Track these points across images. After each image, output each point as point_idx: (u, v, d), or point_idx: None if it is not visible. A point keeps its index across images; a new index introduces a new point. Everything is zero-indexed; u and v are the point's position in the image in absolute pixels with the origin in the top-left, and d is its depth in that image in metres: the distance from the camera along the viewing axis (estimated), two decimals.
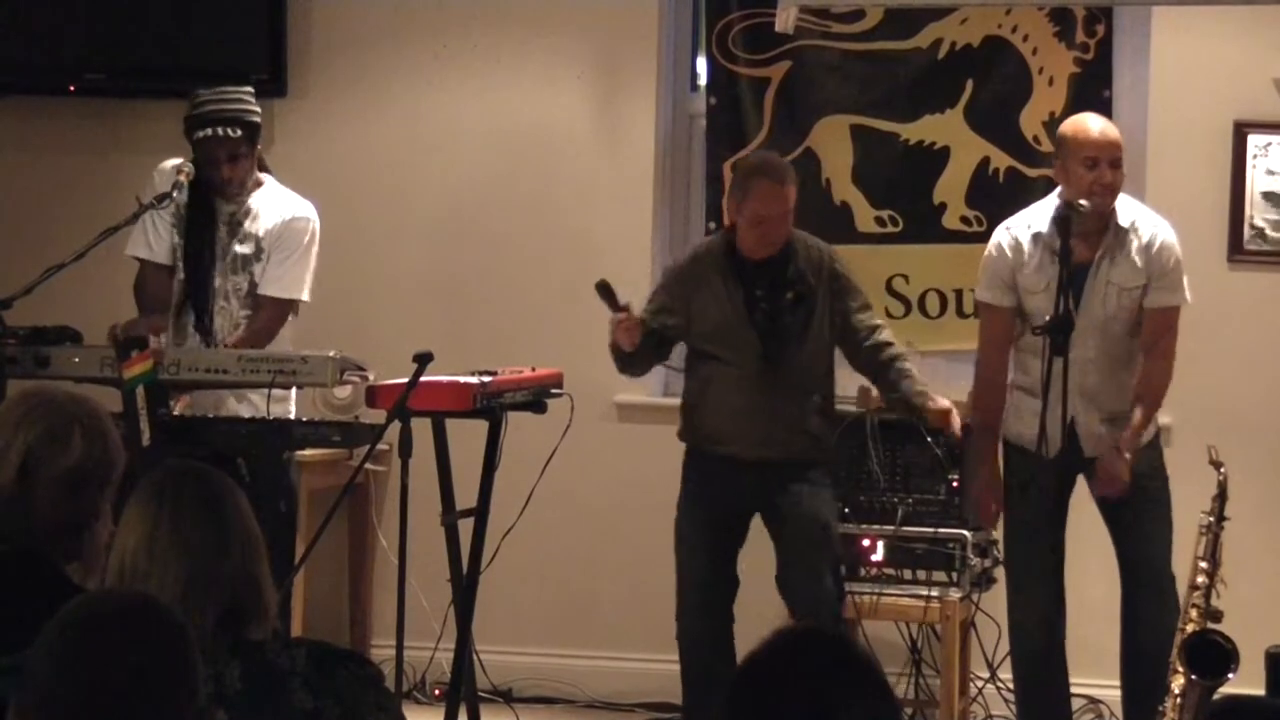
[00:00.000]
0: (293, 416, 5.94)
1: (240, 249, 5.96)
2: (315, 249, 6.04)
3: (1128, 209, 5.82)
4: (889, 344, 6.05)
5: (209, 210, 5.97)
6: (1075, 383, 5.66)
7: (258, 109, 6.00)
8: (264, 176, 6.06)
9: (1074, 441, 5.79)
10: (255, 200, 6.01)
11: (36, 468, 3.47)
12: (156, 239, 6.01)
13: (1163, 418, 6.02)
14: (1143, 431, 5.77)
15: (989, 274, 5.92)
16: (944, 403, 6.06)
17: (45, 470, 3.48)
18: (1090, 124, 5.83)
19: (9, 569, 3.41)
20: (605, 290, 5.90)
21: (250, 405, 5.83)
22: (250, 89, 6.03)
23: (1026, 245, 5.82)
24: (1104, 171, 5.70)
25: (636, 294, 6.17)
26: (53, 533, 3.49)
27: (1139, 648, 5.76)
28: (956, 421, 6.10)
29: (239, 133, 5.89)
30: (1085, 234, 5.74)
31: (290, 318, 6.05)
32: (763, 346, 5.91)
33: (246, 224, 5.98)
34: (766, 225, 5.90)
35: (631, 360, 6.03)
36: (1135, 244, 5.77)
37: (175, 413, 5.56)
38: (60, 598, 2.74)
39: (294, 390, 5.94)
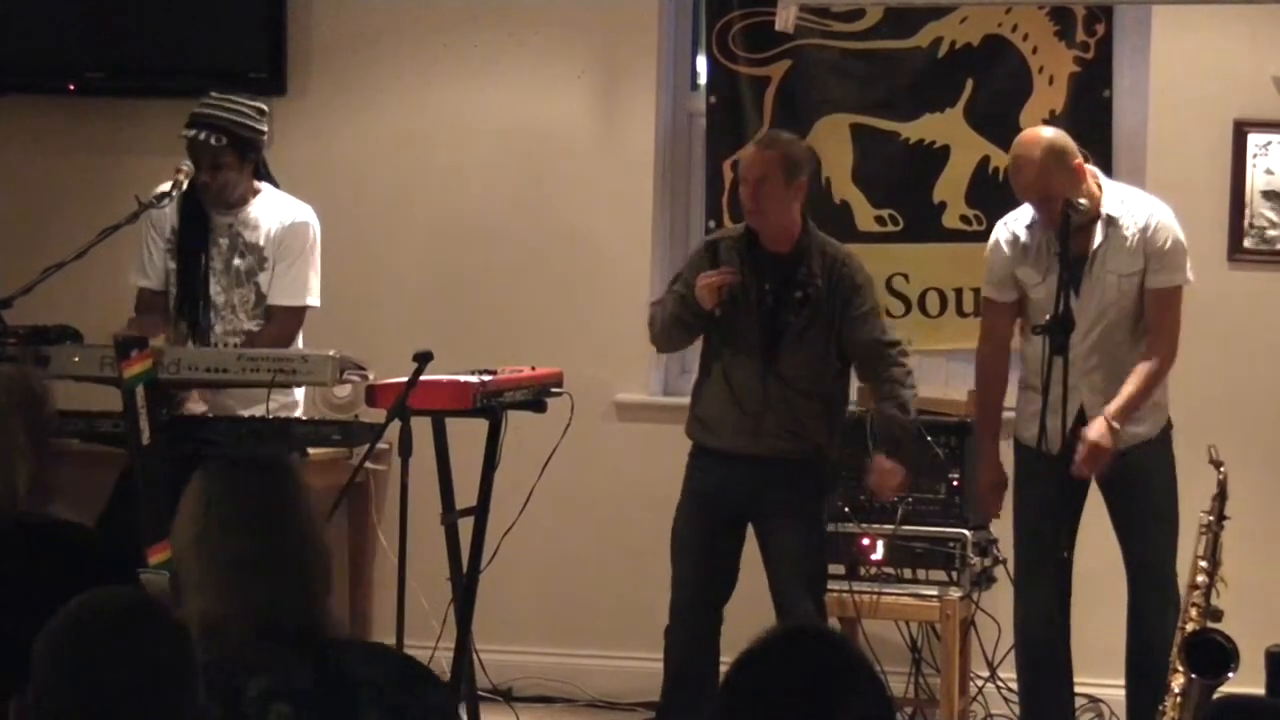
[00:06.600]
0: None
1: (241, 262, 5.95)
2: (318, 252, 6.02)
3: (1114, 195, 5.81)
4: (893, 363, 5.93)
5: (203, 220, 5.94)
6: (1081, 377, 5.65)
7: (260, 125, 5.92)
8: (261, 185, 6.01)
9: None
10: (253, 209, 5.97)
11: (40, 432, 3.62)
12: (151, 266, 6.00)
13: None
14: (1133, 405, 5.69)
15: (990, 269, 5.94)
16: (885, 468, 5.90)
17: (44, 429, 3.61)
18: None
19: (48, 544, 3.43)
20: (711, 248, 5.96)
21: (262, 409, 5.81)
22: (261, 105, 5.95)
23: (1024, 237, 5.82)
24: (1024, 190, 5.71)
25: (636, 294, 6.16)
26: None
27: (1142, 647, 5.75)
28: (887, 493, 6.01)
29: (223, 141, 5.83)
30: (1077, 227, 5.71)
31: None
32: (762, 340, 5.91)
33: (246, 234, 5.95)
34: (745, 186, 5.87)
35: (680, 327, 5.96)
36: (1131, 228, 5.75)
37: (186, 411, 5.58)
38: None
39: (300, 393, 5.94)
